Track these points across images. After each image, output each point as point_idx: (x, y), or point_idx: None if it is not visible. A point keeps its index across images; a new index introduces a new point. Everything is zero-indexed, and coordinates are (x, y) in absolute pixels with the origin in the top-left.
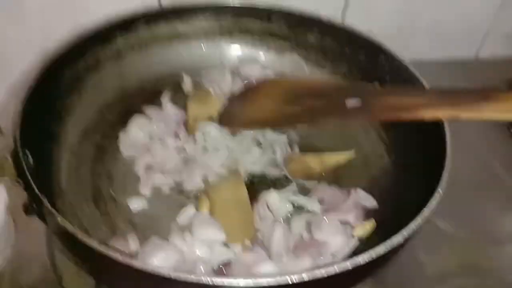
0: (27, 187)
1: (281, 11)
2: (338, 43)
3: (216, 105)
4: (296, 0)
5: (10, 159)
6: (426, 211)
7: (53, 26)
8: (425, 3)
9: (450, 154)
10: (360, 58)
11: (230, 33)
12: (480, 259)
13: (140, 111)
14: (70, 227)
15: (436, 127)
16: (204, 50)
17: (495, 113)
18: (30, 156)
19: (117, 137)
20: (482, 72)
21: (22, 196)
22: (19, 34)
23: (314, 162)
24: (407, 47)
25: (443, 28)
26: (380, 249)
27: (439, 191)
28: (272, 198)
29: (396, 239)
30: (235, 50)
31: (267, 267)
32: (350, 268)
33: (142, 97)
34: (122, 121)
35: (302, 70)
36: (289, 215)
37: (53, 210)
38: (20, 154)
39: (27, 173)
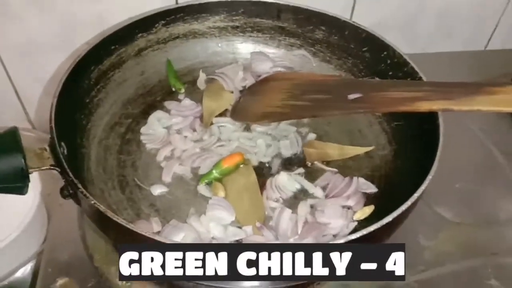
0: (64, 174)
1: (289, 7)
2: (344, 39)
3: (229, 100)
4: None
5: (48, 150)
6: (413, 197)
7: (79, 19)
8: None
9: (442, 143)
10: (365, 54)
11: (242, 31)
12: (478, 242)
13: (160, 105)
14: (102, 208)
15: (431, 117)
16: (218, 47)
17: (486, 106)
18: (65, 147)
19: (140, 130)
20: (491, 64)
21: (56, 183)
22: (47, 25)
23: (333, 150)
24: (416, 39)
25: (453, 18)
26: (371, 228)
27: (428, 178)
28: (281, 177)
29: (386, 220)
30: (247, 47)
31: None
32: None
33: (162, 91)
34: (145, 114)
35: (310, 65)
36: (294, 198)
37: (87, 193)
38: (56, 144)
39: (63, 162)
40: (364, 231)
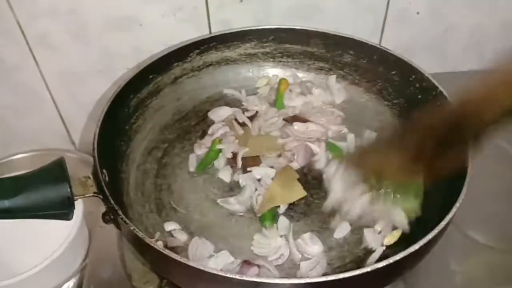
0: (105, 201)
1: (318, 33)
2: (372, 63)
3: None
4: (335, 23)
5: (91, 178)
6: (438, 228)
7: (115, 48)
8: (462, 10)
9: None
10: (393, 78)
11: (273, 57)
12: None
13: (195, 129)
14: (140, 234)
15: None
16: (249, 72)
17: None
18: (106, 174)
19: (176, 154)
20: None
21: (98, 208)
22: (85, 54)
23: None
24: (445, 58)
25: (483, 36)
26: (397, 256)
27: (456, 205)
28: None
29: (412, 248)
30: (277, 71)
31: None
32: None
33: (196, 116)
34: (180, 139)
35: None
36: None
37: (127, 220)
38: (99, 173)
39: (105, 190)
40: (390, 260)
